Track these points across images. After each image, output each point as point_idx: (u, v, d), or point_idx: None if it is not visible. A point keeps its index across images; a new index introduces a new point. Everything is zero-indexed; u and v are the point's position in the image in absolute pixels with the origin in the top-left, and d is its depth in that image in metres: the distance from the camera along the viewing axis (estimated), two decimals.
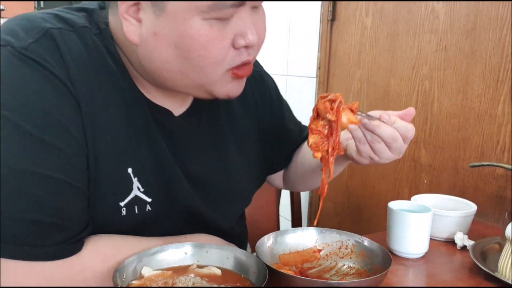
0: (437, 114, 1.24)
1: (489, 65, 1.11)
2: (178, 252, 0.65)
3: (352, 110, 0.65)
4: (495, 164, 1.05)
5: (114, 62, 0.64)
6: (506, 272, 0.73)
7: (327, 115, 0.63)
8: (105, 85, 0.62)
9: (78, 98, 0.59)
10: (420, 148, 1.29)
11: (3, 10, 3.83)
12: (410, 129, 0.70)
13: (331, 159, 0.65)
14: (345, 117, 0.65)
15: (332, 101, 0.64)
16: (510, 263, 0.72)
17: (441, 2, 1.21)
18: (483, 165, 1.07)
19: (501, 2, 1.08)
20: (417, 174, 1.30)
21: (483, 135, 1.13)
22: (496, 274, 0.73)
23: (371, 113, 0.70)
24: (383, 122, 0.68)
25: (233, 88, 0.66)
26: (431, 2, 1.24)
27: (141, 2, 0.57)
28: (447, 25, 1.20)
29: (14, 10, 4.08)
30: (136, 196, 0.66)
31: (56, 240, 0.56)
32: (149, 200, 0.67)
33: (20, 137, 0.54)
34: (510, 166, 1.00)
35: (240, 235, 0.86)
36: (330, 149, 0.65)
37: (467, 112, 1.16)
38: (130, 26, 0.59)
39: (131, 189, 0.65)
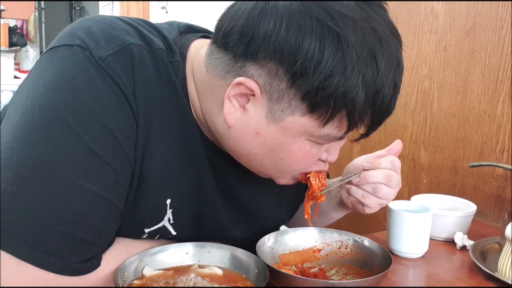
0: (437, 114, 1.24)
1: (489, 65, 1.11)
2: (179, 252, 0.65)
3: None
4: (495, 164, 1.05)
5: (179, 92, 0.63)
6: (506, 271, 0.73)
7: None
8: (166, 110, 0.61)
9: (138, 117, 0.58)
10: (420, 148, 1.29)
11: (3, 10, 3.83)
12: (395, 161, 0.77)
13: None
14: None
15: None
16: (510, 262, 0.72)
17: (440, 2, 1.22)
18: (482, 165, 1.07)
19: (501, 2, 1.08)
20: (417, 174, 1.30)
21: (482, 135, 1.13)
22: (496, 274, 0.73)
23: (353, 168, 0.82)
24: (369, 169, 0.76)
25: (289, 181, 0.71)
26: (430, 2, 1.24)
27: (256, 95, 0.57)
28: (447, 25, 1.21)
29: (14, 10, 4.07)
30: (163, 226, 0.66)
31: (83, 258, 0.56)
32: (174, 233, 0.67)
33: (76, 147, 0.53)
34: (509, 166, 1.00)
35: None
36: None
37: (467, 112, 1.17)
38: (232, 109, 0.59)
39: (161, 220, 0.65)
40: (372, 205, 0.77)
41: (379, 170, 0.75)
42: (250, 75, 0.57)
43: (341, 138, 0.61)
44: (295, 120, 0.57)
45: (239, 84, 0.57)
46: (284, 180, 0.70)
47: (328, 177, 1.01)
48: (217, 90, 0.62)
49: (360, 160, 0.82)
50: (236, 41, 0.57)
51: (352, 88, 0.53)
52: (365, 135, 0.62)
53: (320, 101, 0.54)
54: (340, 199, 0.85)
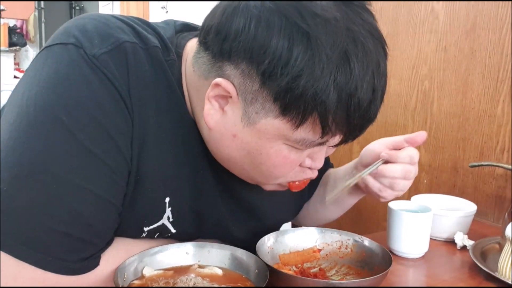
0: (437, 114, 1.24)
1: (489, 65, 1.11)
2: (179, 252, 0.65)
3: None
4: (495, 164, 1.05)
5: (175, 90, 0.63)
6: (506, 272, 0.73)
7: None
8: (162, 108, 0.61)
9: (133, 116, 0.57)
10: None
11: (3, 10, 3.83)
12: (413, 155, 0.76)
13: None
14: None
15: None
16: (510, 263, 0.72)
17: (440, 2, 1.21)
18: (482, 165, 1.07)
19: (501, 2, 1.08)
20: (417, 174, 1.30)
21: (482, 135, 1.13)
22: (496, 274, 0.73)
23: (369, 154, 0.80)
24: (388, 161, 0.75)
25: (279, 188, 0.69)
26: (430, 2, 1.24)
27: (233, 97, 0.57)
28: (447, 25, 1.20)
29: (14, 10, 4.07)
30: (162, 225, 0.65)
31: (81, 257, 0.56)
32: (173, 231, 0.67)
33: (72, 146, 0.53)
34: (509, 166, 1.00)
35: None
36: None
37: (467, 112, 1.17)
38: (212, 110, 0.59)
39: (160, 218, 0.65)
40: (388, 197, 0.78)
41: (397, 164, 0.75)
42: (227, 75, 0.56)
43: (321, 144, 0.59)
44: (269, 123, 0.56)
45: (217, 85, 0.57)
46: (271, 186, 0.69)
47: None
48: (201, 90, 0.61)
49: (376, 146, 0.80)
50: (212, 40, 0.57)
51: (322, 90, 0.51)
52: (344, 141, 0.59)
53: (290, 102, 0.53)
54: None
